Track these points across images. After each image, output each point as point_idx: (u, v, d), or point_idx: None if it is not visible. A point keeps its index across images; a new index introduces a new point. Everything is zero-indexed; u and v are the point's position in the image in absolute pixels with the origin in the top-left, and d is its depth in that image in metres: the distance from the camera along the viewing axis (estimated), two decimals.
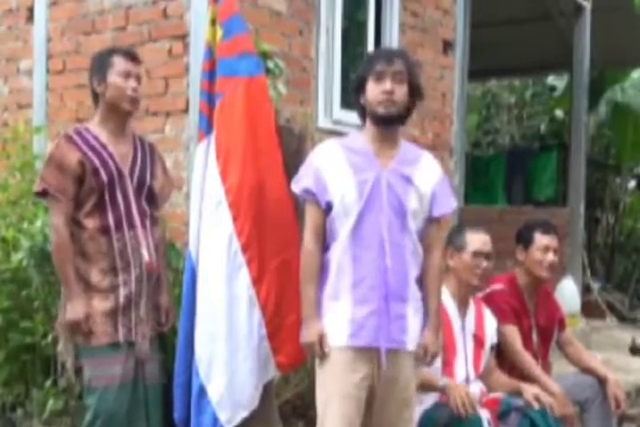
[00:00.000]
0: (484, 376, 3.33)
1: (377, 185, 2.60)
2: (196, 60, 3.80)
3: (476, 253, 3.24)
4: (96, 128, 2.95)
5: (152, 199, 3.03)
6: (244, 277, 2.85)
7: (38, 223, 3.42)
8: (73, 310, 2.80)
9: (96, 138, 2.91)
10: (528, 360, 3.44)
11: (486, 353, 3.33)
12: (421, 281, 2.71)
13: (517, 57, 8.49)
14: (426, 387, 2.94)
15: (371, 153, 2.65)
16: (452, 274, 3.26)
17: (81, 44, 4.53)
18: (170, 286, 3.15)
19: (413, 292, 2.65)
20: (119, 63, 2.91)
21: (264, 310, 2.87)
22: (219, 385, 2.81)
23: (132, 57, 2.96)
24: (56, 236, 2.84)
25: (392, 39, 5.24)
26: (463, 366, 3.21)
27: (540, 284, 3.64)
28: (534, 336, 3.59)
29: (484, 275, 3.27)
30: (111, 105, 2.93)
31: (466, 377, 3.20)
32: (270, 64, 3.45)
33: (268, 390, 2.97)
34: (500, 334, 3.42)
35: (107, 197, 2.87)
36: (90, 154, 2.86)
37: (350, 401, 2.54)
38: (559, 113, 10.52)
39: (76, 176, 2.83)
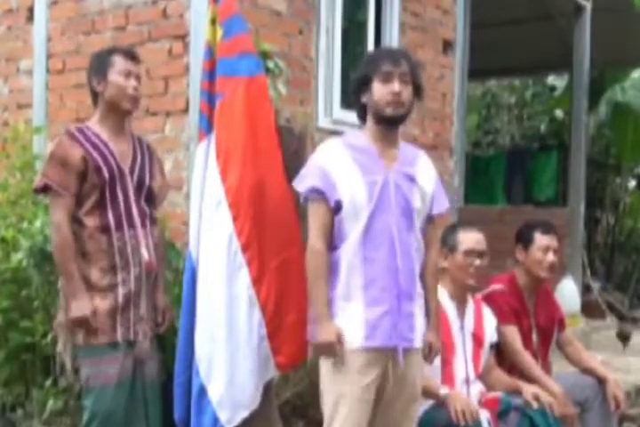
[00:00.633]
0: (483, 375, 3.33)
1: (386, 186, 2.60)
2: (196, 59, 3.80)
3: (468, 252, 3.24)
4: (96, 126, 2.95)
5: (151, 199, 3.03)
6: (243, 277, 2.85)
7: (38, 223, 3.42)
8: (79, 306, 2.78)
9: (97, 136, 2.92)
10: (528, 360, 3.44)
11: (485, 352, 3.33)
12: (421, 278, 2.72)
13: (517, 57, 8.48)
14: (426, 394, 2.93)
15: (375, 153, 2.65)
16: (448, 275, 3.25)
17: (81, 44, 4.53)
18: (169, 285, 3.15)
19: (418, 289, 2.68)
20: (119, 62, 2.92)
21: (264, 310, 2.86)
22: (219, 385, 2.81)
23: (131, 56, 2.96)
24: (58, 233, 2.83)
25: (392, 39, 5.24)
26: (463, 365, 3.21)
27: (539, 284, 3.64)
28: (534, 336, 3.59)
29: (479, 274, 3.26)
30: (111, 104, 2.93)
31: (465, 377, 3.20)
32: (270, 64, 3.44)
33: (267, 390, 2.97)
34: (499, 334, 3.42)
35: (107, 196, 2.87)
36: (92, 151, 2.86)
37: (360, 404, 2.55)
38: (559, 113, 10.52)
39: (79, 172, 2.83)
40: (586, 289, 7.53)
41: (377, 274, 2.57)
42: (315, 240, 2.62)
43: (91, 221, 2.85)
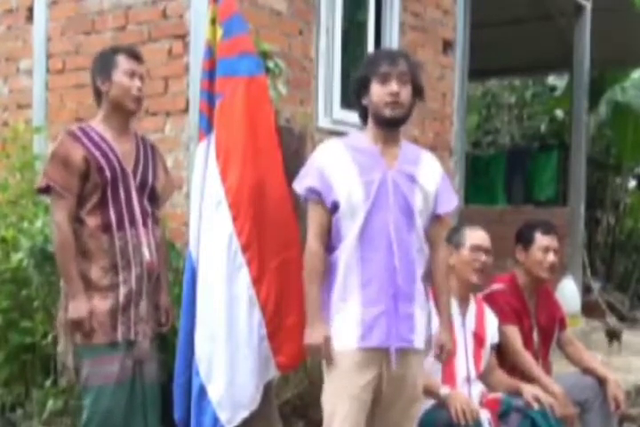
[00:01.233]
0: (484, 376, 3.33)
1: (383, 185, 2.60)
2: (196, 59, 3.79)
3: (474, 248, 3.25)
4: (99, 126, 2.95)
5: (154, 199, 3.03)
6: (244, 277, 2.85)
7: (38, 223, 3.42)
8: (76, 308, 2.78)
9: (100, 135, 2.91)
10: (528, 360, 3.44)
11: (487, 352, 3.34)
12: (427, 279, 2.72)
13: (517, 57, 8.49)
14: (427, 394, 2.93)
15: (377, 153, 2.65)
16: (452, 272, 3.26)
17: (81, 44, 4.53)
18: (169, 285, 3.15)
19: (419, 290, 2.66)
20: (124, 62, 2.91)
21: (264, 310, 2.86)
22: (219, 385, 2.81)
23: (135, 56, 2.96)
24: (59, 233, 2.83)
25: (392, 39, 5.24)
26: (464, 364, 3.21)
27: (540, 284, 3.64)
28: (535, 336, 3.59)
29: (484, 271, 3.26)
30: (115, 104, 2.93)
31: (466, 376, 3.20)
32: (270, 64, 3.44)
33: (268, 390, 2.97)
34: (500, 334, 3.42)
35: (109, 195, 2.87)
36: (94, 151, 2.86)
37: (358, 403, 2.55)
38: (559, 113, 10.52)
39: (81, 173, 2.82)
40: (586, 289, 7.53)
41: (374, 274, 2.57)
42: (311, 241, 2.62)
43: (92, 221, 2.84)
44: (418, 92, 2.68)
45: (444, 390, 3.03)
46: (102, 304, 2.82)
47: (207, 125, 2.98)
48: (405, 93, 2.61)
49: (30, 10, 4.82)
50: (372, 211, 2.57)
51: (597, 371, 3.56)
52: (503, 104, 11.51)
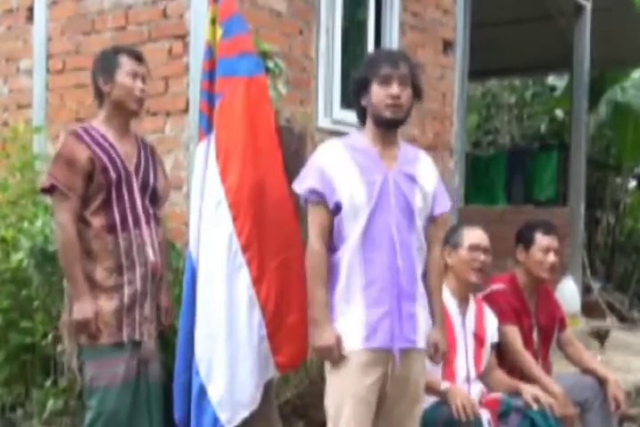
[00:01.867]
0: (484, 376, 3.33)
1: (385, 186, 2.60)
2: (196, 59, 3.80)
3: (473, 247, 3.25)
4: (101, 126, 2.94)
5: (155, 199, 3.03)
6: (244, 278, 2.84)
7: (38, 223, 3.42)
8: (81, 309, 2.78)
9: (102, 136, 2.91)
10: (528, 360, 3.44)
11: (487, 352, 3.34)
12: (424, 278, 2.72)
13: (517, 57, 8.49)
14: (427, 390, 2.93)
15: (375, 154, 2.65)
16: (451, 272, 3.26)
17: (81, 44, 4.53)
18: (170, 285, 3.15)
19: (421, 290, 2.67)
20: (127, 63, 2.91)
21: (264, 311, 2.86)
22: (219, 385, 2.81)
23: (138, 57, 2.96)
24: (63, 233, 2.82)
25: (392, 39, 5.24)
26: (464, 364, 3.21)
27: (540, 284, 3.64)
28: (535, 336, 3.59)
29: (483, 270, 3.26)
30: (117, 104, 2.92)
31: (466, 376, 3.20)
32: (270, 64, 3.44)
33: (268, 390, 2.97)
34: (500, 334, 3.42)
35: (114, 196, 2.87)
36: (98, 151, 2.86)
37: (363, 404, 2.55)
38: (559, 113, 10.53)
39: (86, 173, 2.82)
40: (586, 289, 7.53)
41: (377, 274, 2.57)
42: (314, 242, 2.62)
43: (97, 221, 2.84)
44: (417, 93, 2.68)
45: (445, 386, 3.02)
46: (108, 305, 2.82)
47: (207, 125, 2.98)
48: (406, 96, 2.62)
49: (30, 10, 4.82)
50: (375, 212, 2.58)
51: (597, 371, 3.56)
52: (503, 104, 11.51)
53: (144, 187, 2.96)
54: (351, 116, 3.09)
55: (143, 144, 3.07)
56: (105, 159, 2.85)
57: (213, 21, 3.00)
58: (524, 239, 3.61)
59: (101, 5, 4.44)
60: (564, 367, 3.92)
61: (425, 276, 2.72)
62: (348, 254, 2.58)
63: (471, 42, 6.02)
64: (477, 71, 6.77)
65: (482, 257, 3.26)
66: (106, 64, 2.94)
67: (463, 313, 3.27)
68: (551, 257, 3.56)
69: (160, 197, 3.07)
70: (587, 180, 7.50)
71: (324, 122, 4.72)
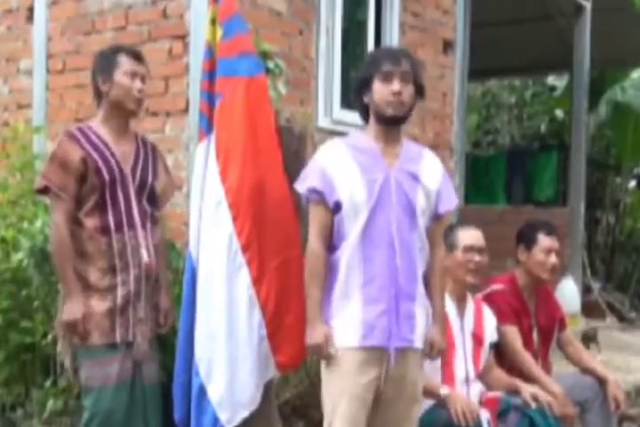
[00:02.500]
0: (483, 375, 3.33)
1: (386, 184, 2.60)
2: (196, 60, 3.80)
3: (467, 249, 3.24)
4: (99, 126, 2.95)
5: (153, 199, 3.03)
6: (244, 278, 2.84)
7: (38, 223, 3.42)
8: (70, 309, 2.79)
9: (99, 136, 2.91)
10: (528, 360, 3.44)
11: (485, 352, 3.33)
12: (426, 278, 2.72)
13: (517, 57, 8.49)
14: (426, 394, 2.93)
15: (377, 152, 2.65)
16: (448, 273, 3.25)
17: (81, 44, 4.53)
18: (170, 286, 3.15)
19: (420, 290, 2.67)
20: (125, 63, 2.91)
21: (264, 310, 2.86)
22: (219, 385, 2.81)
23: (137, 57, 2.96)
24: (56, 234, 2.83)
25: (392, 39, 5.24)
26: (462, 365, 3.21)
27: (540, 284, 3.64)
28: (534, 336, 3.59)
29: (479, 270, 3.26)
30: (115, 104, 2.92)
31: (465, 376, 3.20)
32: (270, 64, 3.44)
33: (268, 390, 2.97)
34: (500, 333, 3.42)
35: (107, 197, 2.87)
36: (92, 152, 2.86)
37: (359, 402, 2.55)
38: (559, 113, 10.53)
39: (79, 174, 2.82)
40: (586, 289, 7.53)
41: (376, 272, 2.57)
42: (313, 241, 2.62)
43: (90, 222, 2.84)
44: (419, 90, 2.68)
45: (444, 391, 3.03)
46: (100, 305, 2.82)
47: (207, 126, 2.98)
48: (407, 93, 2.62)
49: (30, 10, 4.83)
50: (376, 210, 2.58)
51: (597, 371, 3.56)
52: (503, 104, 11.51)
53: (141, 187, 2.96)
54: (351, 116, 3.10)
55: (143, 143, 3.06)
56: (98, 160, 2.85)
57: (213, 21, 3.00)
58: (526, 239, 3.61)
59: (101, 5, 4.44)
60: (563, 367, 3.92)
61: (427, 275, 2.72)
62: (347, 252, 2.58)
63: (471, 42, 6.01)
64: (477, 71, 6.77)
65: (477, 258, 3.25)
66: (104, 64, 2.94)
67: (461, 314, 3.27)
68: (553, 258, 3.55)
69: (159, 196, 3.06)
70: (587, 180, 7.50)
71: (323, 122, 4.72)
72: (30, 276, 3.36)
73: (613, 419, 3.54)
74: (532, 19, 7.68)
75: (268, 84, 3.16)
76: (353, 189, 2.58)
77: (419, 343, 2.65)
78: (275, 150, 2.97)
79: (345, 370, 2.56)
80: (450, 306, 3.22)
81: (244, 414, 2.84)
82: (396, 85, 2.58)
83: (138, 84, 2.91)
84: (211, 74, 2.99)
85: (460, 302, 3.28)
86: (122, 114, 2.95)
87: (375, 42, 5.21)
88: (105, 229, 2.85)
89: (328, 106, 4.75)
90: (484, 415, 2.98)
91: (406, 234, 2.61)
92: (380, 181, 2.59)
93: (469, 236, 3.29)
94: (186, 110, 4.05)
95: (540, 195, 8.81)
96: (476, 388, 3.23)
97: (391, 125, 2.66)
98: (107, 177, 2.85)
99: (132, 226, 2.89)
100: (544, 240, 3.56)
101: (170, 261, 3.29)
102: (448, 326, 3.15)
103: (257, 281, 2.85)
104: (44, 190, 2.87)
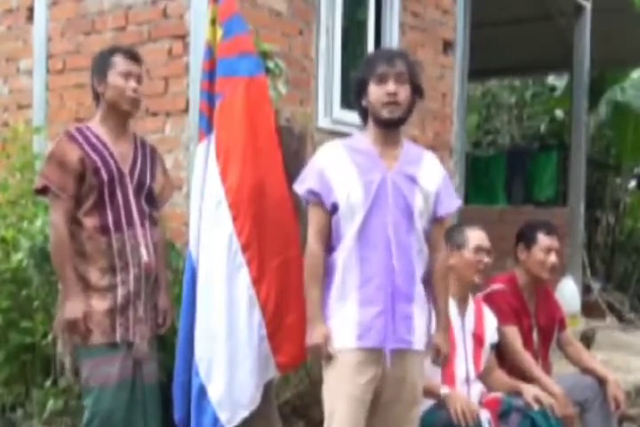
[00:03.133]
0: (484, 376, 3.33)
1: (383, 186, 2.60)
2: (196, 60, 3.79)
3: (477, 249, 3.25)
4: (97, 127, 2.95)
5: (152, 200, 3.03)
6: (244, 278, 2.85)
7: (38, 223, 3.42)
8: (71, 308, 2.79)
9: (97, 136, 2.92)
10: (528, 360, 3.44)
11: (486, 352, 3.34)
12: (427, 281, 2.71)
13: (517, 57, 8.48)
14: (426, 394, 2.93)
15: (375, 154, 2.65)
16: (452, 272, 3.25)
17: (81, 44, 4.53)
18: (170, 286, 3.15)
19: (419, 291, 2.66)
20: (120, 63, 2.91)
21: (264, 310, 2.86)
22: (219, 385, 2.81)
23: (133, 57, 2.96)
24: (54, 233, 2.84)
25: (392, 39, 5.24)
26: (463, 365, 3.21)
27: (540, 284, 3.65)
28: (534, 336, 3.59)
29: (485, 271, 3.27)
30: (111, 105, 2.93)
31: (466, 376, 3.20)
32: (270, 64, 3.44)
33: (268, 390, 2.97)
34: (500, 334, 3.42)
35: (106, 197, 2.87)
36: (91, 152, 2.86)
37: (357, 403, 2.55)
38: (559, 113, 10.52)
39: (77, 174, 2.83)
40: (586, 289, 7.53)
41: (372, 273, 2.57)
42: (312, 243, 2.63)
43: (90, 222, 2.85)
44: (417, 91, 2.68)
45: (444, 391, 3.03)
46: (100, 305, 2.82)
47: (207, 126, 2.98)
48: (403, 93, 2.61)
49: (30, 10, 4.82)
50: (372, 211, 2.58)
51: (597, 371, 3.56)
52: (503, 104, 11.51)
53: (139, 187, 2.96)
54: (351, 116, 3.10)
55: (141, 144, 3.06)
56: (97, 160, 2.86)
57: (213, 21, 3.00)
58: (526, 239, 3.61)
59: (101, 5, 4.44)
60: (563, 367, 3.92)
61: (429, 278, 2.71)
62: (344, 253, 2.59)
63: (471, 42, 6.01)
64: (477, 71, 6.76)
65: (486, 259, 3.27)
66: (100, 64, 2.95)
67: (462, 314, 3.27)
68: (552, 257, 3.56)
69: (157, 197, 3.06)
70: (587, 180, 7.50)
71: (323, 122, 4.72)
72: (30, 276, 3.36)
73: (613, 419, 3.55)
74: (532, 19, 7.68)
75: (267, 84, 3.17)
76: (350, 191, 2.58)
77: (419, 345, 2.64)
78: (275, 150, 2.97)
79: (343, 371, 2.56)
80: (451, 305, 3.22)
81: (244, 414, 2.84)
82: (390, 86, 2.58)
83: (132, 83, 2.91)
84: (211, 74, 2.99)
85: (462, 302, 3.28)
86: (118, 114, 2.95)
87: (375, 42, 5.21)
88: (104, 229, 2.85)
89: (328, 106, 4.74)
90: (485, 415, 2.99)
91: (404, 236, 2.60)
92: (376, 182, 2.59)
93: (479, 236, 3.29)
94: (186, 110, 4.04)
95: (540, 195, 8.81)
96: (477, 388, 3.23)
97: (389, 128, 2.66)
98: (105, 177, 2.86)
99: (131, 225, 2.89)
100: (544, 239, 3.56)
101: (170, 261, 3.29)
102: (449, 326, 3.16)
103: (257, 281, 2.86)
104: (44, 190, 2.87)
